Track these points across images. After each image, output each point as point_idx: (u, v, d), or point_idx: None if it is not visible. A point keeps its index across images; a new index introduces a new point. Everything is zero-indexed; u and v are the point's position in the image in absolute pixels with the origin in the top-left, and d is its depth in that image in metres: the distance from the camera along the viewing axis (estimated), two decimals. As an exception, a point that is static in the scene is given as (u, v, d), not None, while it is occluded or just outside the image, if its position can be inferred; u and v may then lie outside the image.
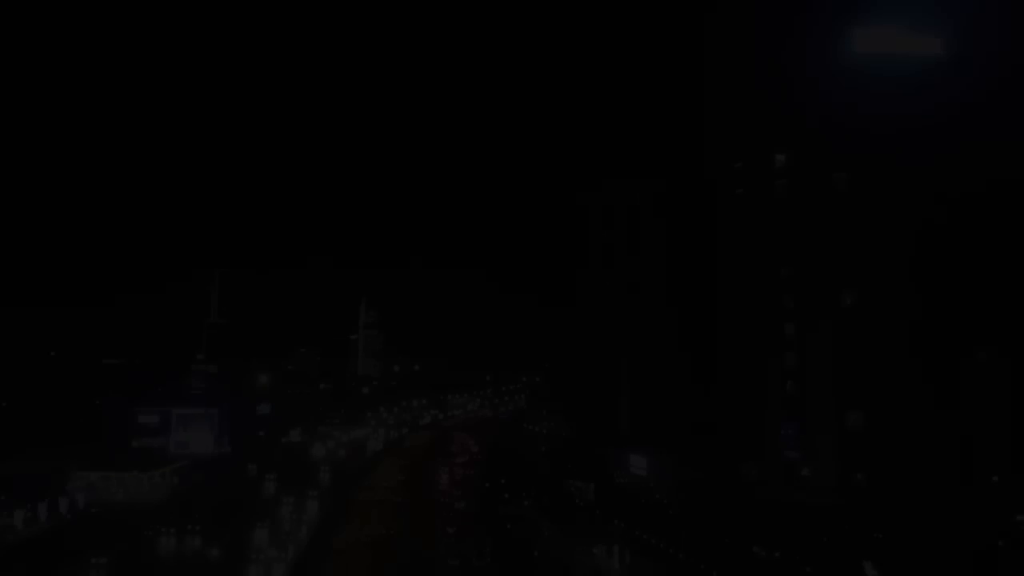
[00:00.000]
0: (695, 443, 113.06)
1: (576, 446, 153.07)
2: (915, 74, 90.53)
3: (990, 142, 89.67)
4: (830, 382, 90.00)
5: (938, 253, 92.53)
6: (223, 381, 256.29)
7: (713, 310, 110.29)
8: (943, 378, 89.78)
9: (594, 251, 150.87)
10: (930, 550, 79.35)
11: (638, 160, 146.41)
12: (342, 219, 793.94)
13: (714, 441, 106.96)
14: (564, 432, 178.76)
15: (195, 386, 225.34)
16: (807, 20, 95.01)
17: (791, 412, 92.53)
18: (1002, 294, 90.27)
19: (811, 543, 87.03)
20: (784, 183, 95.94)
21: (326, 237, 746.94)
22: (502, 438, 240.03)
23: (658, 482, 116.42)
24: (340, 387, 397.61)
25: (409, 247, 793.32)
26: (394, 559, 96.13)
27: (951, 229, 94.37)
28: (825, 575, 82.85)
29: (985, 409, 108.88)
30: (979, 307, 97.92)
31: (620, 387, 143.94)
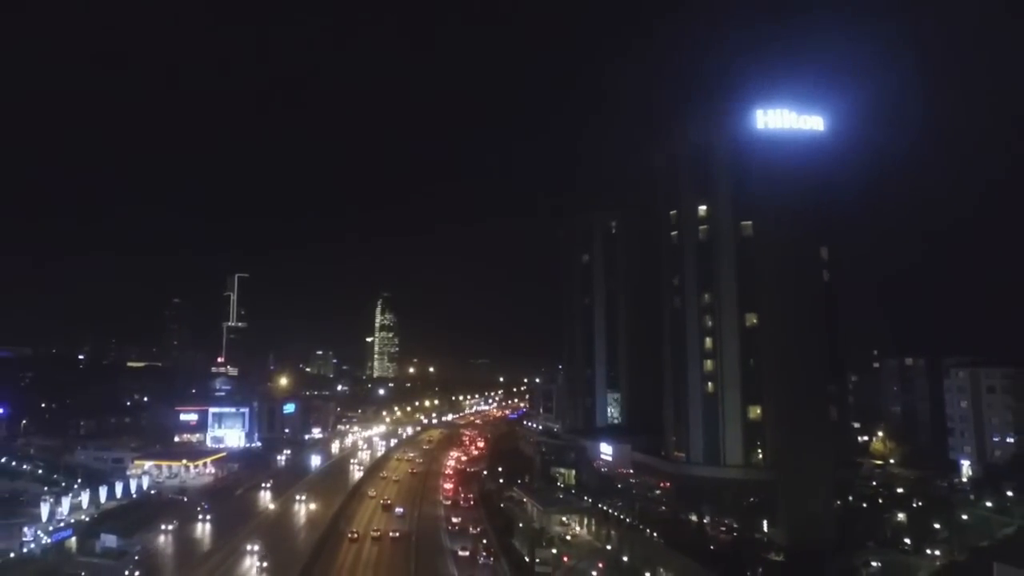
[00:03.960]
0: (648, 433, 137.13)
1: (563, 439, 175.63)
2: (803, 145, 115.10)
3: (862, 198, 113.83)
4: (737, 384, 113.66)
5: (822, 285, 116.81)
6: (249, 383, 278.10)
7: (659, 327, 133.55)
8: (823, 381, 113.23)
9: (575, 272, 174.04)
10: (808, 510, 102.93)
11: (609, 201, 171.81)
12: (358, 227, 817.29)
13: (659, 431, 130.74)
14: (555, 428, 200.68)
15: (222, 388, 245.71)
16: (724, 103, 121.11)
17: (709, 407, 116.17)
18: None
19: (725, 506, 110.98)
20: (706, 228, 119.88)
21: (342, 244, 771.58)
22: (505, 435, 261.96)
23: (619, 465, 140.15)
24: (357, 388, 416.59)
25: (425, 254, 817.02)
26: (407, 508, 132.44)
27: (832, 265, 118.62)
28: (734, 531, 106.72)
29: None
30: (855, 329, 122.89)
31: (597, 389, 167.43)
